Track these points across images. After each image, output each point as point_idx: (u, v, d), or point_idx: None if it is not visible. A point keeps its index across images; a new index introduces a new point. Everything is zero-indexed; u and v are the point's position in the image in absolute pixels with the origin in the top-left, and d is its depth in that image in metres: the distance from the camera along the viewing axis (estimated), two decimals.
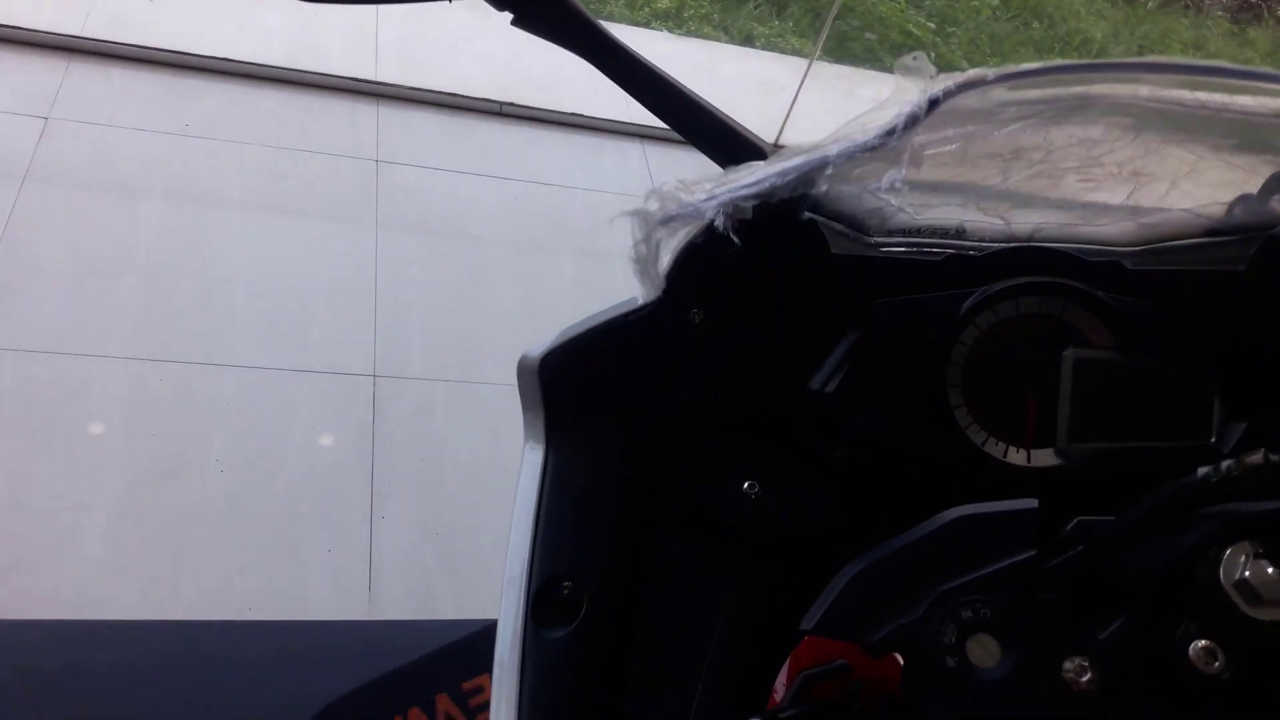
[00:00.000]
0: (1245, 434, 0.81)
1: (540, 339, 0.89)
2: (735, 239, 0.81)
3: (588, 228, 3.67)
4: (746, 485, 0.90)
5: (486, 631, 0.85)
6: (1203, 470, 0.60)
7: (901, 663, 0.64)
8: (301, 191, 3.60)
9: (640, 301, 0.88)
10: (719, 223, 0.81)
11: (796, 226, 0.86)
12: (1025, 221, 0.95)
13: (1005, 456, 0.85)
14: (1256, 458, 0.58)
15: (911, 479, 0.88)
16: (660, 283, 0.88)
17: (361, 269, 3.32)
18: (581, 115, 4.29)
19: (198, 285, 3.12)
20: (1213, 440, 0.82)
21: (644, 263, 0.82)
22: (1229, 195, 0.92)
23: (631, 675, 0.85)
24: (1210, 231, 0.88)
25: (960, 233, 0.93)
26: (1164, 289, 0.84)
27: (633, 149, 4.29)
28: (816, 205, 0.92)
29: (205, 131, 3.71)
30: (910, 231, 0.94)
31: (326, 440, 2.79)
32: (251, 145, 3.71)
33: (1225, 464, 0.59)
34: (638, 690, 0.85)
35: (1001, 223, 0.95)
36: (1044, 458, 0.84)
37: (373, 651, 2.29)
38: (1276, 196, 0.85)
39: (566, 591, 0.82)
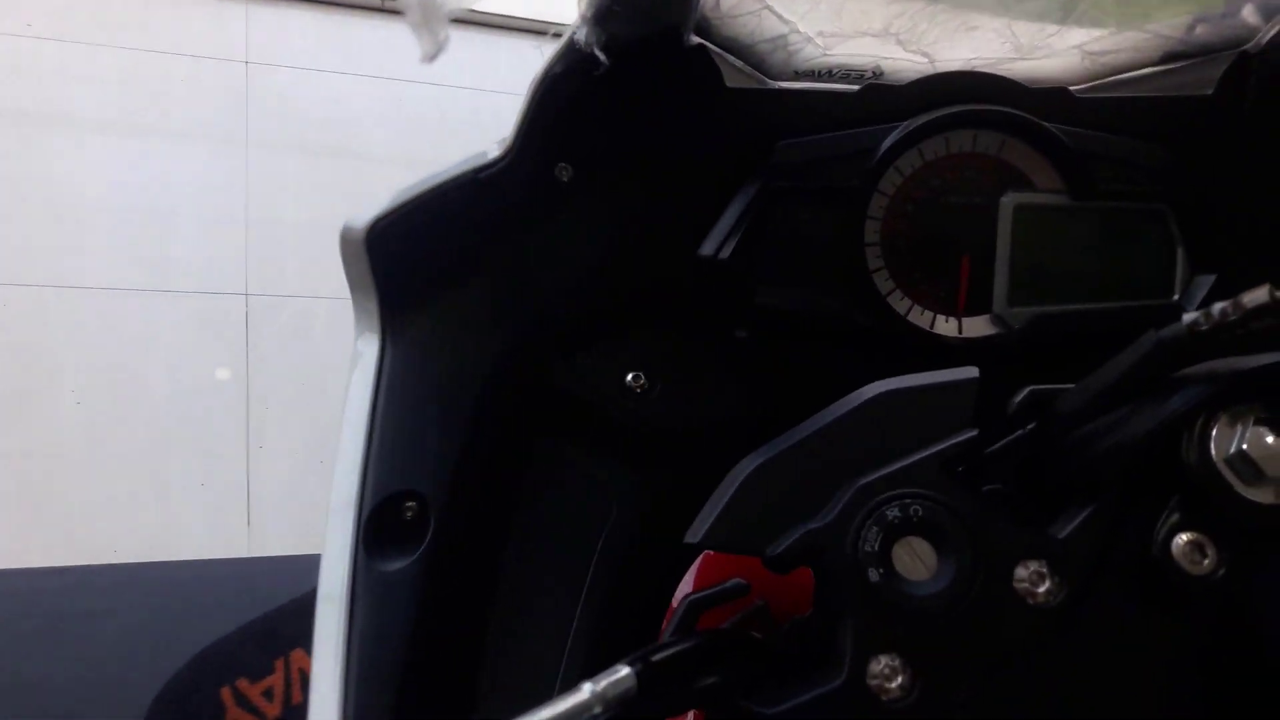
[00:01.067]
0: (1214, 289, 0.68)
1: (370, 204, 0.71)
2: (602, 56, 0.63)
3: (477, 129, 3.43)
4: (631, 376, 0.75)
5: None
6: (1189, 316, 0.46)
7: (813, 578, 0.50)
8: (162, 98, 3.26)
9: (492, 155, 0.71)
10: (581, 37, 0.64)
11: (681, 54, 0.69)
12: (952, 59, 0.80)
13: (933, 327, 0.71)
14: (1259, 295, 0.44)
15: (827, 359, 0.74)
16: (516, 131, 0.70)
17: (231, 177, 3.03)
18: (474, 10, 3.99)
19: (46, 202, 2.80)
20: (1176, 298, 0.69)
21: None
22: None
23: (493, 611, 0.70)
24: (1170, 56, 0.74)
25: (878, 75, 0.77)
26: (1119, 120, 0.70)
27: (527, 46, 4.02)
28: (707, 29, 0.75)
29: (51, 32, 3.33)
30: (819, 74, 0.78)
31: (196, 365, 2.55)
32: (105, 48, 3.35)
33: (1218, 307, 0.46)
34: (500, 630, 0.70)
35: (925, 60, 0.79)
36: (978, 326, 0.71)
37: (252, 590, 2.12)
38: (1248, 7, 0.71)
39: (410, 513, 0.66)
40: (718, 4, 0.72)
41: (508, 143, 0.71)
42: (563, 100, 0.69)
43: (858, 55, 0.80)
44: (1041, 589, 0.47)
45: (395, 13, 3.96)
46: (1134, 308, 0.69)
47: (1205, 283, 0.69)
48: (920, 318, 0.71)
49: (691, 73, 0.70)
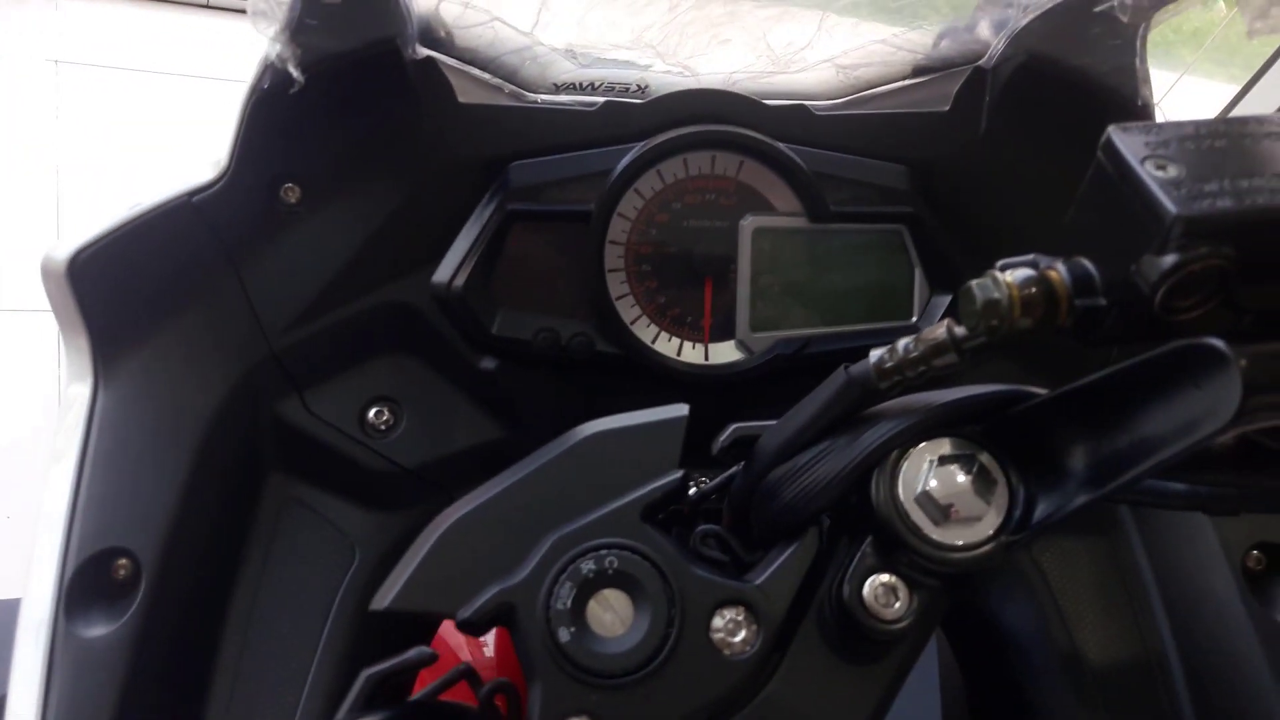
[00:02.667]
0: (950, 309, 0.68)
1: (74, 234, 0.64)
2: (296, 73, 0.58)
3: None
4: (374, 411, 0.70)
5: None
6: (875, 354, 0.45)
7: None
8: None
9: (207, 176, 0.65)
10: (274, 53, 0.59)
11: (405, 69, 0.64)
12: (714, 72, 0.78)
13: (679, 354, 0.68)
14: (938, 332, 0.43)
15: (575, 387, 0.71)
16: (230, 150, 0.64)
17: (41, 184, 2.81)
18: None
19: None
20: (915, 320, 0.69)
21: None
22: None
23: (219, 670, 0.64)
24: (919, 70, 0.74)
25: (643, 88, 0.75)
26: (858, 138, 0.69)
27: None
28: (443, 42, 0.71)
29: None
30: (581, 87, 0.75)
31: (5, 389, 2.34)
32: None
33: (902, 343, 0.44)
34: (226, 691, 0.64)
35: (688, 73, 0.77)
36: (725, 352, 0.69)
37: None
38: (984, 22, 0.71)
39: (121, 573, 0.60)
40: (443, 16, 0.68)
41: (222, 164, 0.65)
42: (277, 118, 0.63)
43: (621, 68, 0.77)
44: (738, 638, 0.45)
45: (217, 9, 3.77)
46: (874, 330, 0.68)
47: (943, 303, 0.69)
48: (666, 345, 0.68)
49: (419, 87, 0.65)
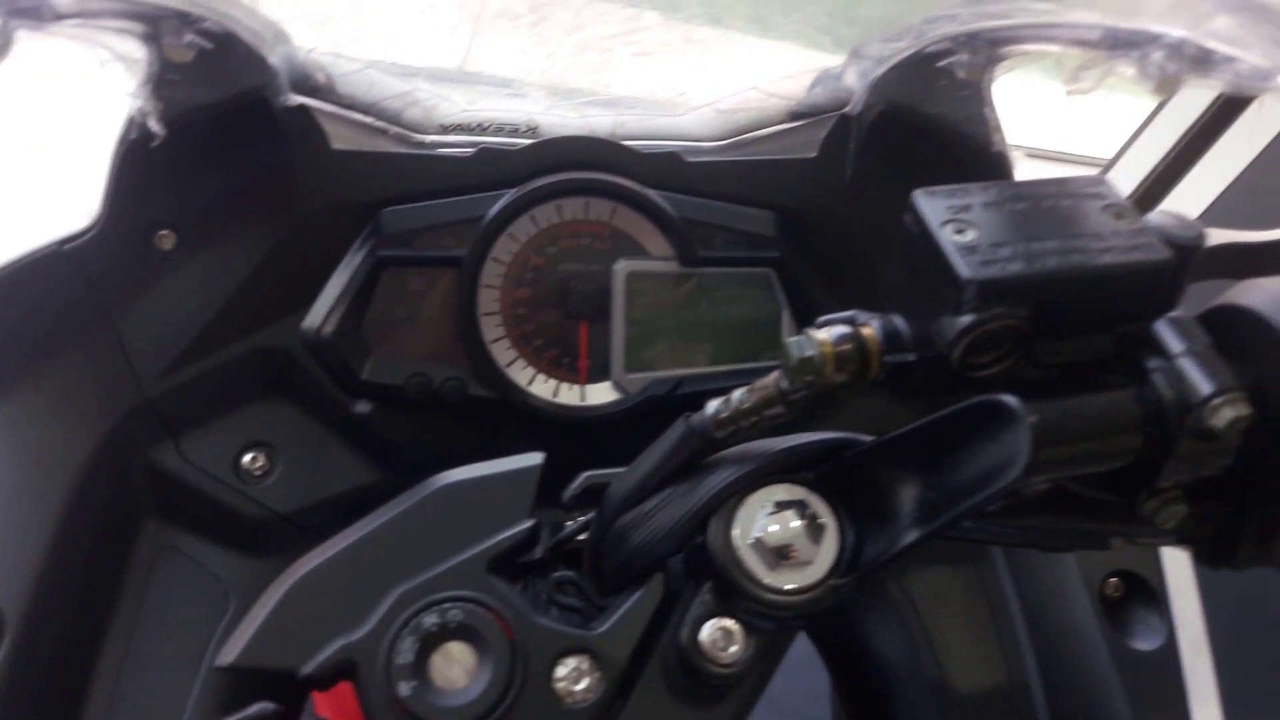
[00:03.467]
0: None
1: None
2: (157, 127, 0.58)
3: None
4: (249, 457, 0.70)
5: None
6: (713, 404, 0.46)
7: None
8: None
9: (79, 226, 0.64)
10: (135, 108, 0.59)
11: (275, 117, 0.64)
12: (601, 115, 0.79)
13: (556, 396, 0.69)
14: (766, 385, 0.45)
15: (452, 431, 0.71)
16: (102, 199, 0.64)
17: None
18: None
19: None
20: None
21: None
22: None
23: None
24: (794, 115, 0.76)
25: (532, 129, 0.76)
26: (728, 185, 0.71)
27: None
28: (322, 89, 0.71)
29: None
30: (470, 128, 0.76)
31: None
32: None
33: (737, 394, 0.46)
34: None
35: (577, 116, 0.78)
36: (601, 394, 0.70)
37: None
38: (852, 70, 0.73)
39: None
40: (321, 64, 0.69)
41: (94, 212, 0.65)
42: (147, 167, 0.63)
43: (510, 109, 0.78)
44: (580, 686, 0.46)
45: None
46: (743, 370, 0.70)
47: None
48: (543, 387, 0.69)
49: (292, 135, 0.66)
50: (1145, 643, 0.70)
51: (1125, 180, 1.19)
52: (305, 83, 0.70)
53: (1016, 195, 0.42)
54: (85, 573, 0.64)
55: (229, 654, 0.46)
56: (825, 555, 0.46)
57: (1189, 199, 1.10)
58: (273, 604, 0.47)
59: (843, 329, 0.43)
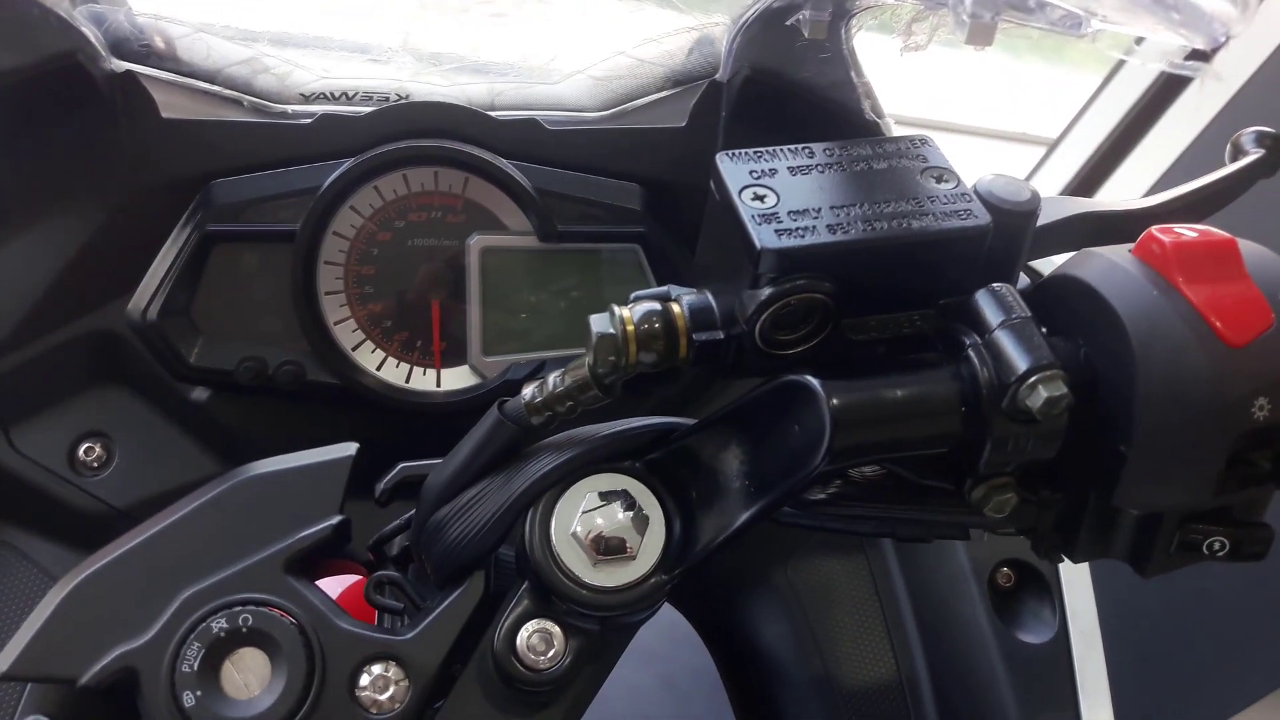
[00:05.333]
0: None
1: None
2: None
3: None
4: (85, 448, 0.65)
5: None
6: (527, 390, 0.43)
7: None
8: None
9: None
10: None
11: (96, 84, 0.59)
12: (475, 83, 0.75)
13: (409, 381, 0.65)
14: (581, 368, 0.41)
15: (300, 421, 0.67)
16: None
17: None
18: None
19: None
20: None
21: None
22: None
23: None
24: (674, 82, 0.72)
25: (404, 98, 0.71)
26: (592, 155, 0.66)
27: None
28: (155, 54, 0.66)
29: None
30: (334, 96, 0.71)
31: None
32: None
33: (552, 378, 0.42)
34: None
35: (448, 84, 0.74)
36: (458, 378, 0.66)
37: None
38: (720, 32, 0.69)
39: None
40: (157, 29, 0.64)
41: None
42: None
43: (376, 76, 0.73)
44: (386, 695, 0.42)
45: None
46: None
47: None
48: (394, 372, 0.65)
49: (116, 103, 0.60)
50: (1035, 636, 0.68)
51: (1070, 160, 1.17)
52: (131, 48, 0.65)
53: (830, 159, 0.39)
54: None
55: (3, 663, 0.42)
56: (650, 549, 0.43)
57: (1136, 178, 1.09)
58: (48, 610, 0.43)
59: (650, 305, 0.40)
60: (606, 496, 0.43)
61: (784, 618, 0.71)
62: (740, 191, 0.37)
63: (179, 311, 0.61)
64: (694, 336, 0.39)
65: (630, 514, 0.43)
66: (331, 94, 0.71)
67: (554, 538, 0.42)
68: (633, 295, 0.40)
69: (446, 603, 0.44)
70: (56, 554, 0.65)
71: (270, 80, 0.71)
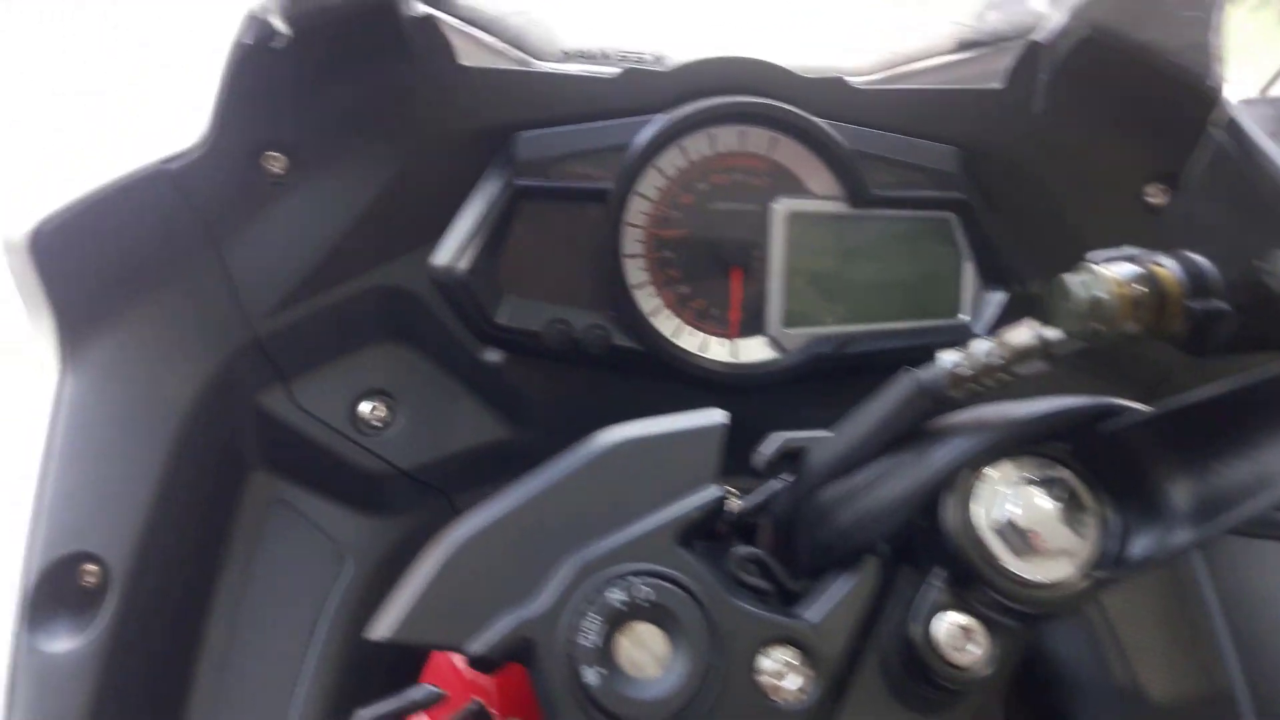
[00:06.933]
0: (1008, 308, 0.62)
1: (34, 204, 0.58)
2: (282, 26, 0.52)
3: None
4: (368, 406, 0.64)
5: None
6: (949, 358, 0.39)
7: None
8: None
9: (186, 143, 0.58)
10: (259, 6, 0.52)
11: (401, 26, 0.57)
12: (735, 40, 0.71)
13: (703, 350, 0.62)
14: (1022, 335, 0.37)
15: (588, 384, 0.65)
16: (212, 113, 0.58)
17: None
18: None
19: None
20: (962, 316, 0.63)
21: None
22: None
23: (197, 687, 0.59)
24: (963, 45, 0.68)
25: (658, 59, 0.68)
26: (902, 116, 0.62)
27: None
28: (444, 1, 0.64)
29: None
30: (593, 55, 0.68)
31: None
32: None
33: (982, 347, 0.38)
34: (205, 709, 0.58)
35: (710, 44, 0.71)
36: (754, 349, 0.63)
37: None
38: None
39: (89, 580, 0.54)
40: None
41: (201, 129, 0.58)
42: (261, 78, 0.57)
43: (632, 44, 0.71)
44: (790, 684, 0.39)
45: None
46: (919, 329, 0.62)
47: (995, 300, 0.63)
48: (689, 340, 0.62)
49: (416, 48, 0.59)
50: None
51: None
52: None
53: None
54: (192, 525, 0.59)
55: (383, 626, 0.40)
56: (1085, 544, 0.39)
57: None
58: (430, 572, 0.41)
59: (1132, 268, 0.35)
60: (1035, 483, 0.39)
61: (1082, 628, 0.66)
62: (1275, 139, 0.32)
63: (486, 269, 0.59)
64: (1189, 304, 0.34)
65: (1061, 504, 0.39)
66: (591, 53, 0.68)
67: (977, 524, 0.39)
68: (1090, 256, 0.36)
69: (845, 587, 0.41)
70: (334, 513, 0.64)
71: (539, 33, 0.69)
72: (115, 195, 0.57)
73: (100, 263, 0.57)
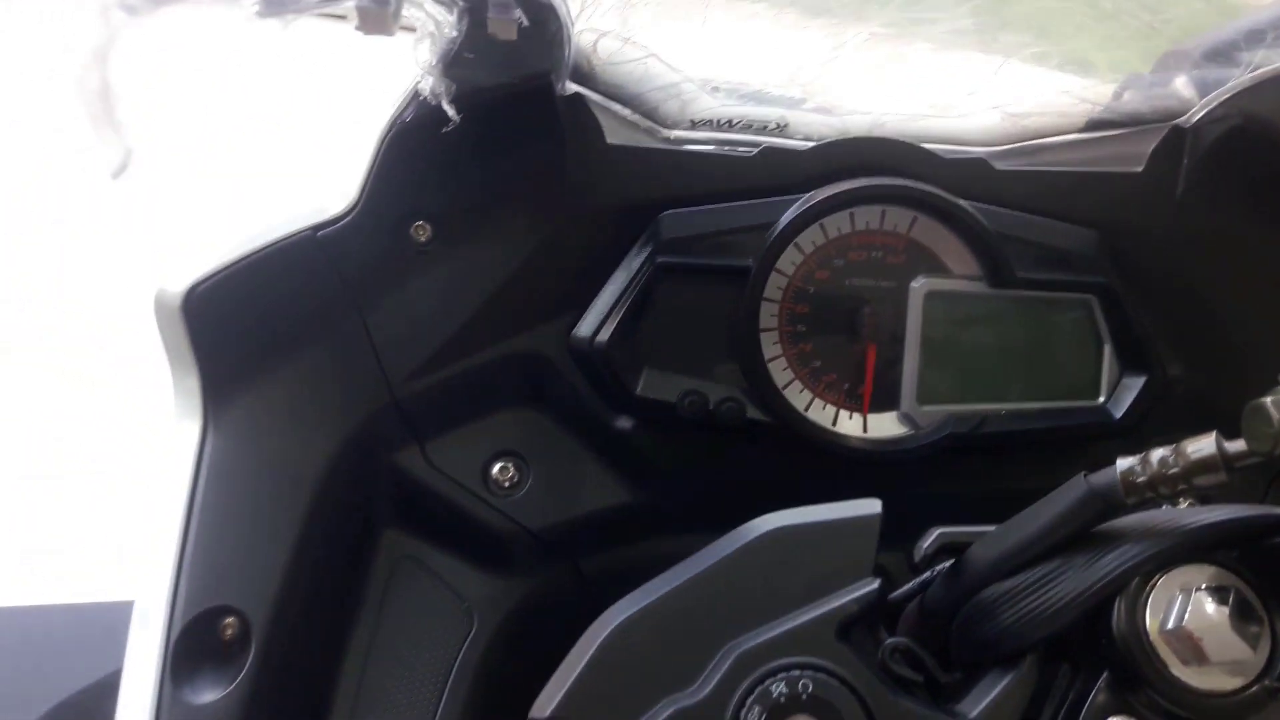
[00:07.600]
0: (1144, 391, 0.61)
1: (186, 266, 0.60)
2: (450, 110, 0.54)
3: None
4: (499, 467, 0.65)
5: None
6: (1124, 463, 0.39)
7: None
8: None
9: (334, 210, 0.61)
10: (428, 87, 0.54)
11: (555, 105, 0.60)
12: (861, 113, 0.72)
13: (835, 424, 0.62)
14: (1204, 446, 0.37)
15: (719, 455, 0.65)
16: (362, 184, 0.60)
17: None
18: None
19: None
20: (1102, 400, 0.62)
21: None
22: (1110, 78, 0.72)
23: None
24: (1095, 124, 0.68)
25: (781, 127, 0.69)
26: (1042, 197, 0.62)
27: None
28: (588, 76, 0.66)
29: None
30: (719, 124, 0.70)
31: None
32: None
33: (1158, 455, 0.38)
34: None
35: (831, 114, 0.72)
36: (885, 425, 0.63)
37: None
38: (1181, 78, 0.64)
39: (229, 632, 0.56)
40: (595, 49, 0.64)
41: (352, 197, 0.61)
42: (415, 152, 0.59)
43: (760, 104, 0.72)
44: None
45: None
46: (1057, 409, 0.62)
47: (1134, 384, 0.62)
48: (821, 413, 0.62)
49: (567, 126, 0.61)
50: None
51: None
52: (574, 70, 0.65)
53: None
54: (325, 580, 0.61)
55: (544, 708, 0.41)
56: (1256, 653, 0.38)
57: None
58: (589, 655, 0.42)
59: None
60: (1206, 591, 0.39)
61: None
62: None
63: (625, 341, 0.61)
64: None
65: (1232, 613, 0.38)
66: (717, 121, 0.70)
67: (1148, 630, 0.38)
68: None
69: (1004, 685, 0.41)
70: (462, 571, 0.65)
71: (674, 105, 0.70)
72: (266, 260, 0.59)
73: (248, 325, 0.59)
